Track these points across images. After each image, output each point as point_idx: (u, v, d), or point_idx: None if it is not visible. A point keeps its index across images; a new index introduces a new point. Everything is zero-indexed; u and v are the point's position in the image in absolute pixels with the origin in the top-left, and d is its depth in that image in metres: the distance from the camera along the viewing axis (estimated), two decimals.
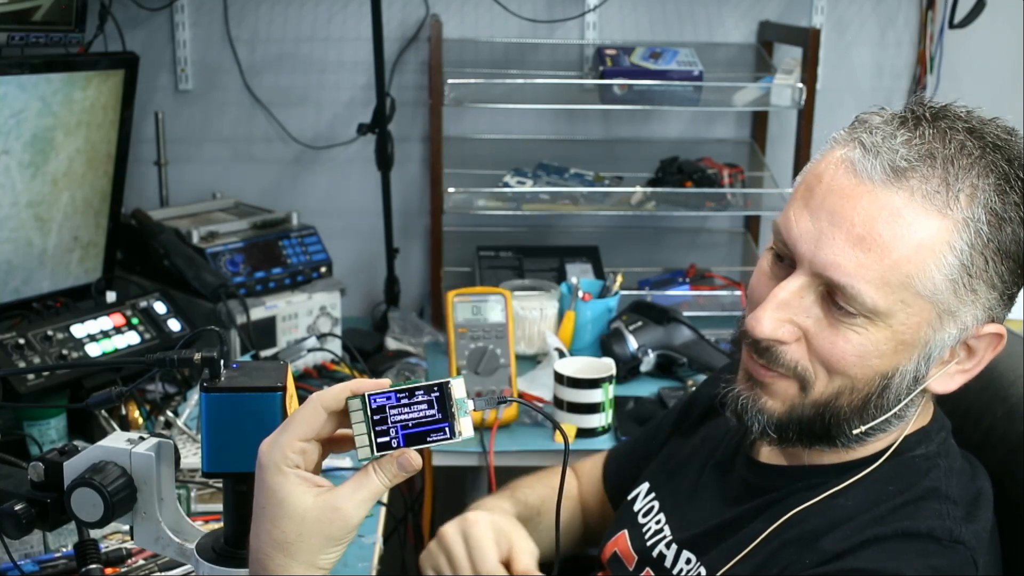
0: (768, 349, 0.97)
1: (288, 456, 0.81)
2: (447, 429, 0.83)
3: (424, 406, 0.83)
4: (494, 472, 1.74)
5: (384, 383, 0.84)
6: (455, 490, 2.31)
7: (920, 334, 0.93)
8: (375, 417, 0.82)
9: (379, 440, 0.82)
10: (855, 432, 0.98)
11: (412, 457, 0.82)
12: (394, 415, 0.83)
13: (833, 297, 0.93)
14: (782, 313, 0.95)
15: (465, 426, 0.84)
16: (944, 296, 0.91)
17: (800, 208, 0.95)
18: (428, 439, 0.83)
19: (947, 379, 0.98)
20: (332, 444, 0.87)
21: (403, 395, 0.83)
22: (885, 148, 0.91)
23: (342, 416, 0.84)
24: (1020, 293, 0.96)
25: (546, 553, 1.23)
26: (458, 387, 0.84)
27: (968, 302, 0.92)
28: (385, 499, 1.60)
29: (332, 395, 0.83)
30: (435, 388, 0.83)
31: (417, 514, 2.28)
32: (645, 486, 1.25)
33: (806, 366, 0.96)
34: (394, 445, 0.83)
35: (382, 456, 0.83)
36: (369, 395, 0.83)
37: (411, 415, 0.83)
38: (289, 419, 0.83)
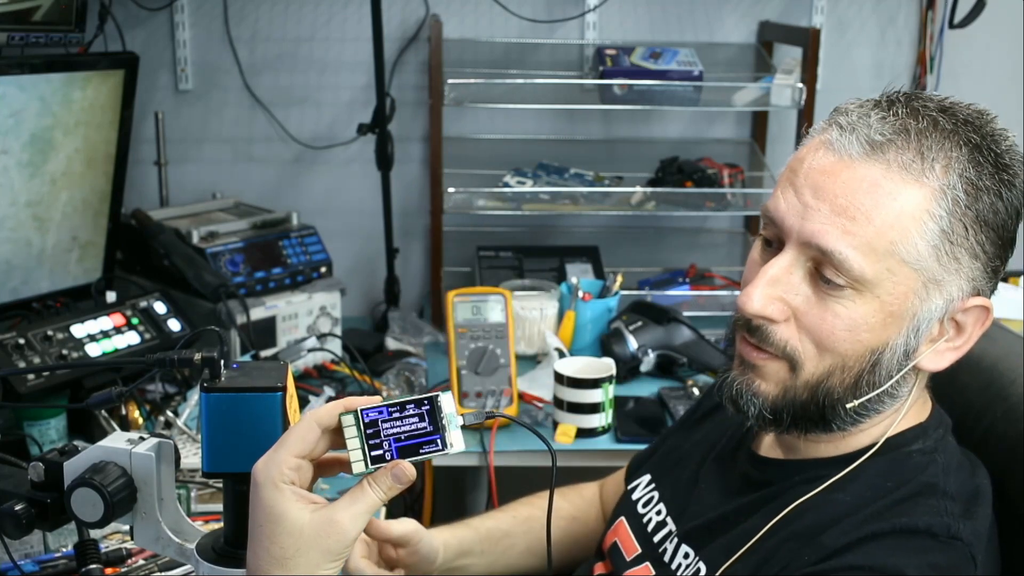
0: (759, 328, 0.98)
1: (284, 472, 0.82)
2: (439, 441, 0.85)
3: (416, 419, 0.85)
4: (494, 472, 1.74)
5: (375, 399, 0.86)
6: (455, 490, 2.31)
7: (907, 305, 0.95)
8: (368, 432, 0.84)
9: (373, 454, 0.84)
10: (849, 407, 0.98)
11: (406, 468, 0.84)
12: (387, 429, 0.84)
13: (821, 271, 0.95)
14: (772, 289, 0.97)
15: (456, 439, 0.85)
16: (928, 263, 0.93)
17: (785, 187, 0.98)
18: (421, 451, 0.84)
19: (937, 356, 0.99)
20: (323, 468, 0.89)
21: (395, 409, 0.85)
22: (861, 125, 0.94)
23: (335, 435, 0.85)
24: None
25: (523, 566, 1.31)
26: (447, 402, 0.86)
27: (952, 271, 0.94)
28: None
29: (326, 412, 0.85)
30: (425, 401, 0.85)
31: (417, 514, 2.27)
32: (646, 477, 1.26)
33: (795, 346, 0.97)
34: (388, 458, 0.84)
35: (377, 469, 0.84)
36: (362, 409, 0.84)
37: (403, 428, 0.85)
38: (284, 437, 0.84)
